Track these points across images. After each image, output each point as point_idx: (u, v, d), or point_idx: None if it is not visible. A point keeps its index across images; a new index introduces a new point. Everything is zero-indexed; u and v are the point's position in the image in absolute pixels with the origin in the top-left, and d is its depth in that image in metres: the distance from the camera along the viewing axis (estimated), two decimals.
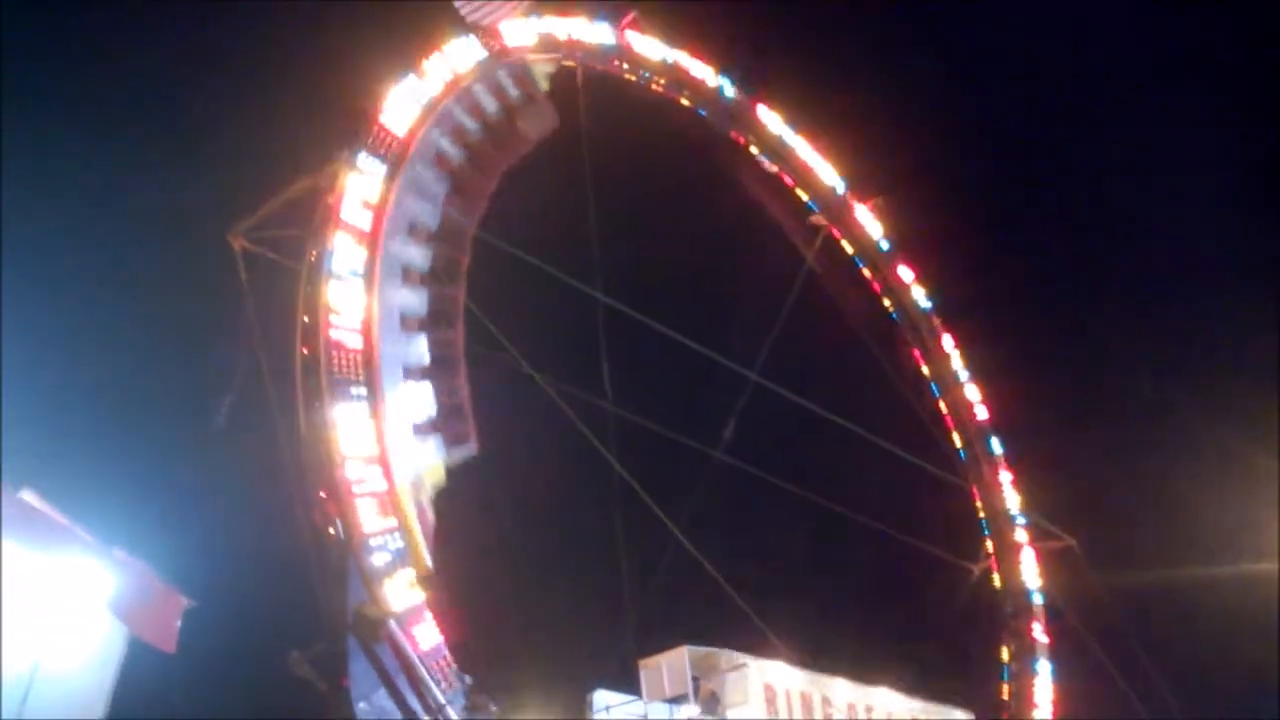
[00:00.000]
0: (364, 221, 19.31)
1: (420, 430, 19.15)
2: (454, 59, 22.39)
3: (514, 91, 23.78)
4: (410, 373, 19.58)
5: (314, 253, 18.93)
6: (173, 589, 9.51)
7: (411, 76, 21.43)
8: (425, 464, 18.99)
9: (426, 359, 19.97)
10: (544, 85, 24.59)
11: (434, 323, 20.18)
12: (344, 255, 18.75)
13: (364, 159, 19.77)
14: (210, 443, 19.14)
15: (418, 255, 20.82)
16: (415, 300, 20.42)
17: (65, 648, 9.13)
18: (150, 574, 9.30)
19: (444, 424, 19.62)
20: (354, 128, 20.21)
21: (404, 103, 20.96)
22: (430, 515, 18.55)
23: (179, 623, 9.39)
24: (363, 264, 18.95)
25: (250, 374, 18.96)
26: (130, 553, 9.13)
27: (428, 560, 17.40)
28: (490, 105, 23.17)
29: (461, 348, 20.76)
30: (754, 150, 31.52)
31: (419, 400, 19.40)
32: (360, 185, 19.52)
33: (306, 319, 18.37)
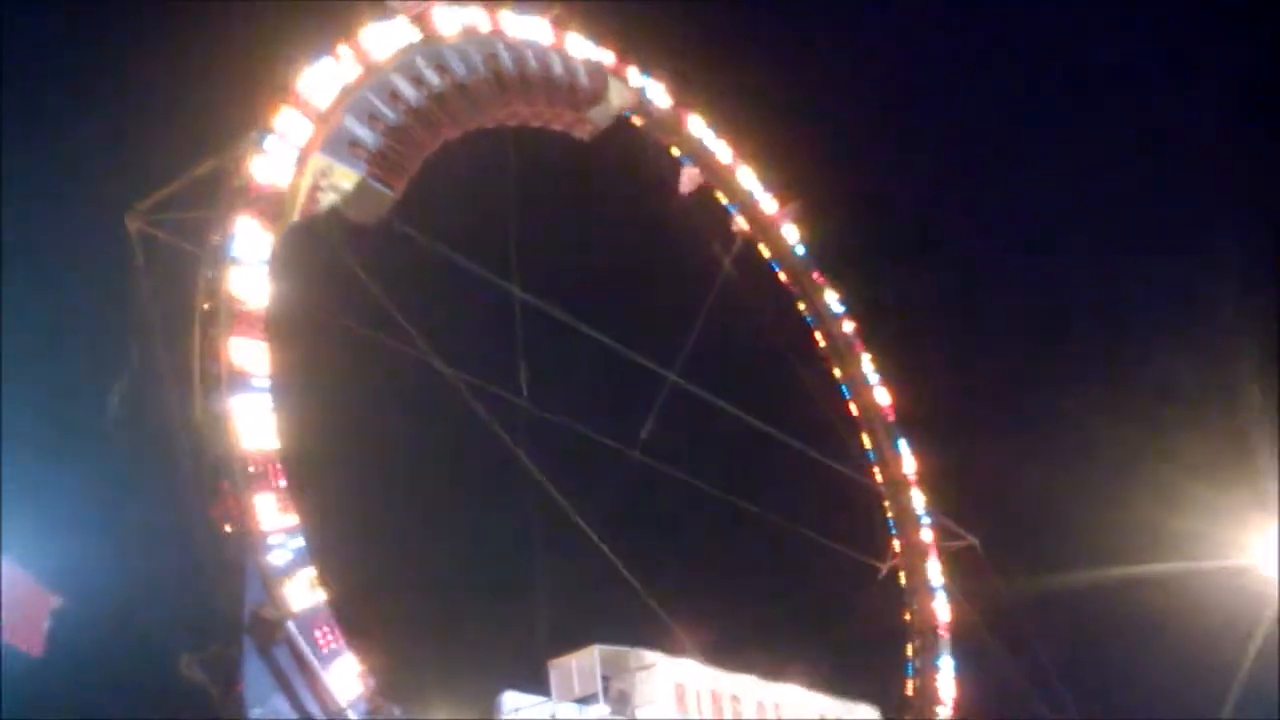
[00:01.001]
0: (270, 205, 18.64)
1: (356, 150, 19.69)
2: (374, 43, 21.76)
3: (585, 83, 25.76)
4: None
5: (216, 237, 18.19)
6: (40, 588, 8.89)
7: (328, 59, 20.77)
8: (342, 168, 19.53)
9: None
10: (615, 101, 26.82)
11: None
12: (247, 240, 18.08)
13: (272, 141, 19.07)
14: (98, 434, 18.16)
15: None
16: None
17: None
18: (16, 572, 8.67)
19: (379, 164, 20.12)
20: (263, 109, 19.50)
21: (318, 85, 20.28)
22: (319, 203, 19.13)
23: (47, 623, 8.78)
24: (269, 249, 18.35)
25: (144, 362, 18.05)
26: None
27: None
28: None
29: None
30: (675, 152, 31.60)
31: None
32: (267, 167, 18.83)
33: (206, 306, 17.64)
